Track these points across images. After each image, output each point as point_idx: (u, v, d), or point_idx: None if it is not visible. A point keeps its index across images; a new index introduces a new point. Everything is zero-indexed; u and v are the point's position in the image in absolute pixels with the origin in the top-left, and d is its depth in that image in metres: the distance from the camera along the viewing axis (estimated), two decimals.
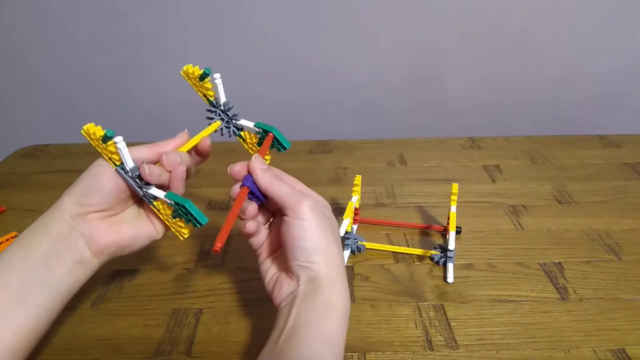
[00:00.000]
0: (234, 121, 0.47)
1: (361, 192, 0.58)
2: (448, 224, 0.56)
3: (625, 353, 0.43)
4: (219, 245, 0.35)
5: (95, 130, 0.37)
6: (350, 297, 0.50)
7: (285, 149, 0.45)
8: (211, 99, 0.46)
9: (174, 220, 0.41)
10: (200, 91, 0.46)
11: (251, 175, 0.40)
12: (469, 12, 0.89)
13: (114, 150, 0.38)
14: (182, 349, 0.45)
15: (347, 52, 0.94)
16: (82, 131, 0.38)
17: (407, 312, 0.49)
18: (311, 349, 0.34)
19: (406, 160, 0.81)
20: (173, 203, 0.39)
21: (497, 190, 0.71)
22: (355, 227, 0.61)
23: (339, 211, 0.66)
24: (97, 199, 0.40)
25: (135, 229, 0.43)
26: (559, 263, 0.55)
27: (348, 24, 0.91)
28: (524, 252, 0.57)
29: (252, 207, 0.40)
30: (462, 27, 0.91)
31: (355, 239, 0.58)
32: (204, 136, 0.45)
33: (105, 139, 0.37)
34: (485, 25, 0.90)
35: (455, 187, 0.57)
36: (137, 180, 0.40)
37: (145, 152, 0.41)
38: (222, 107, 0.46)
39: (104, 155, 0.40)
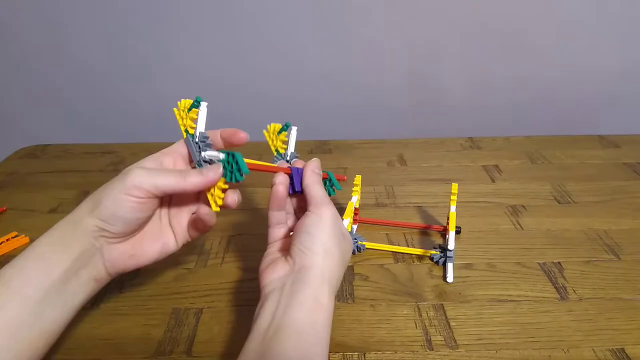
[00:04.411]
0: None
1: (361, 192, 0.58)
2: (448, 223, 0.56)
3: (625, 353, 0.43)
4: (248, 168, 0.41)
5: (185, 103, 0.43)
6: (350, 297, 0.51)
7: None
8: (281, 151, 0.49)
9: (214, 189, 0.42)
10: (274, 142, 0.49)
11: (302, 170, 0.44)
12: (468, 12, 0.89)
13: (195, 117, 0.43)
14: (183, 348, 0.45)
15: (348, 53, 0.94)
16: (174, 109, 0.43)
17: (406, 311, 0.49)
18: (300, 352, 0.33)
19: (406, 160, 0.81)
20: (224, 157, 0.41)
21: (496, 190, 0.71)
22: (355, 227, 0.62)
23: (339, 211, 0.66)
24: (122, 227, 0.40)
25: (156, 243, 0.43)
26: (559, 263, 0.55)
27: (348, 24, 0.91)
28: (523, 252, 0.57)
29: (282, 177, 0.43)
30: (461, 27, 0.91)
31: (355, 239, 0.58)
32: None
33: (194, 105, 0.42)
34: (484, 25, 0.90)
35: (454, 187, 0.57)
36: (198, 144, 0.43)
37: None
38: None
39: (182, 125, 0.43)
